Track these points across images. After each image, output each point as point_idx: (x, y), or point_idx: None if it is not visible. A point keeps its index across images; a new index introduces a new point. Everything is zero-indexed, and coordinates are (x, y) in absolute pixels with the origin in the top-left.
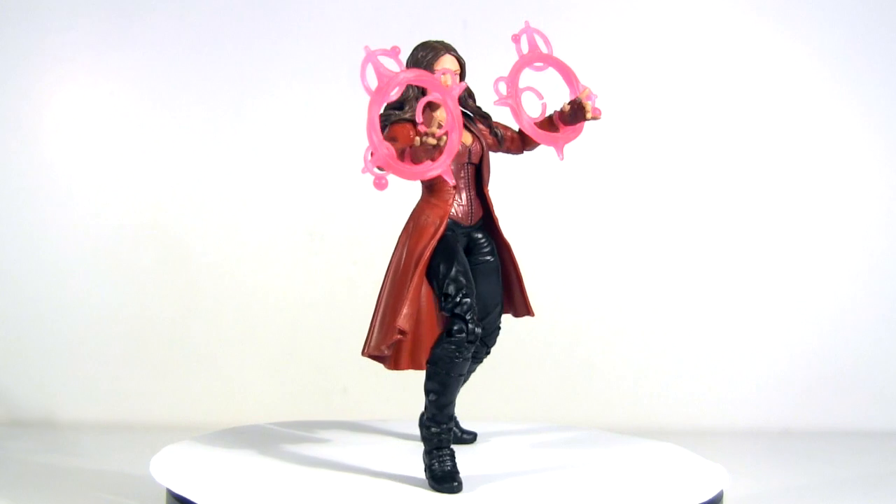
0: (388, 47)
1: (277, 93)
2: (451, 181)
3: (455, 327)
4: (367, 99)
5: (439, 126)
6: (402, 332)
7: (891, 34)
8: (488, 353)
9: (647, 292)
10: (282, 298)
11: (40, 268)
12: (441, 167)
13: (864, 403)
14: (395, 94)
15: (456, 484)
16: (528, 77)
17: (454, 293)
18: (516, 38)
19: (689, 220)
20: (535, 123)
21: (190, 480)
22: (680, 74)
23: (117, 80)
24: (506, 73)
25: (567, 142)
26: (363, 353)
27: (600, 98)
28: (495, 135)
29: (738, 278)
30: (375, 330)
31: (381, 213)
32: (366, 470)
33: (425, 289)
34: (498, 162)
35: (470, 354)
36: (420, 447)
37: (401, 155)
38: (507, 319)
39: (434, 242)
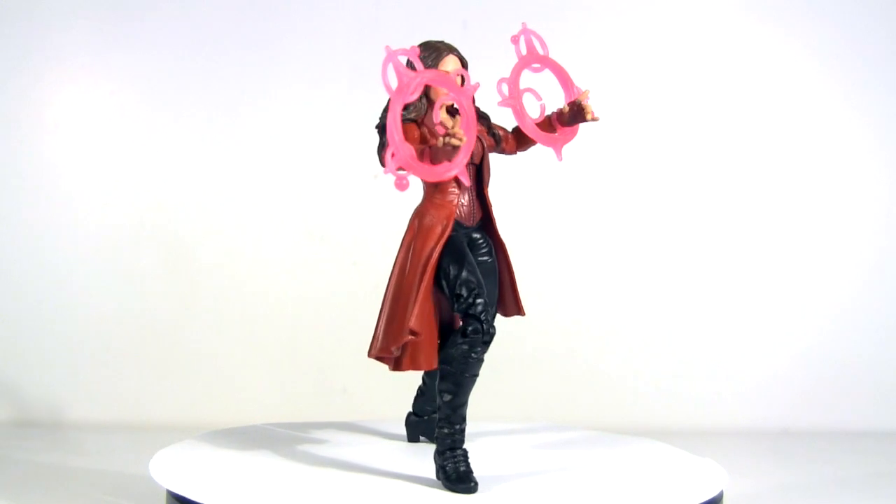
0: (408, 47)
1: (278, 93)
2: (467, 182)
3: (470, 328)
4: (361, 100)
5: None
6: (413, 333)
7: (891, 35)
8: None
9: (648, 293)
10: (282, 299)
11: (40, 267)
12: (458, 167)
13: (863, 403)
14: (415, 95)
15: (472, 485)
16: (526, 78)
17: (467, 294)
18: (515, 40)
19: (688, 221)
20: (536, 124)
21: (190, 480)
22: (679, 75)
23: (117, 80)
24: (506, 74)
25: (565, 143)
26: (370, 355)
27: (600, 99)
28: (494, 135)
29: (738, 279)
30: (382, 331)
31: (381, 214)
32: (366, 470)
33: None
34: (500, 163)
35: (484, 355)
36: (418, 447)
37: (420, 155)
38: (508, 320)
39: (442, 243)
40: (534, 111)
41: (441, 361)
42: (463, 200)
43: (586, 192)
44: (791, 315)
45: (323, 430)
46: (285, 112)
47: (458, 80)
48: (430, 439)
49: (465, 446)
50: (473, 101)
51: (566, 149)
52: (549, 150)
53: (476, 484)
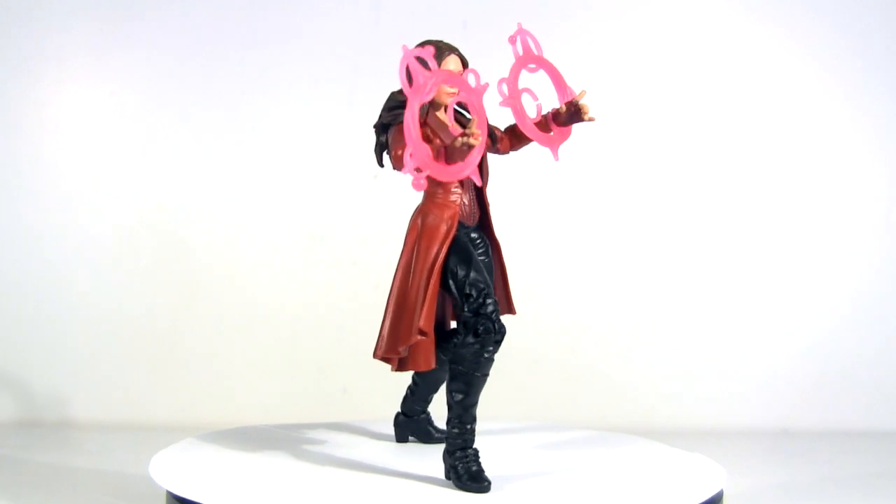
0: (423, 47)
1: (278, 93)
2: (479, 181)
3: (482, 327)
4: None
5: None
6: (422, 333)
7: (891, 35)
8: None
9: (648, 293)
10: (282, 299)
11: (40, 267)
12: (472, 166)
13: (863, 403)
14: (430, 95)
15: (485, 484)
16: (521, 78)
17: (477, 294)
18: (512, 40)
19: (689, 222)
20: (535, 124)
21: (190, 480)
22: (679, 75)
23: (117, 80)
24: (506, 74)
25: (561, 142)
26: (375, 355)
27: (600, 99)
28: (491, 135)
29: (738, 279)
30: (389, 331)
31: (381, 214)
32: (366, 470)
33: None
34: (501, 162)
35: (495, 354)
36: (418, 447)
37: (436, 155)
38: (508, 320)
39: (448, 243)
40: (530, 111)
41: (451, 361)
42: (464, 200)
43: (587, 193)
44: (791, 315)
45: (323, 430)
46: (285, 112)
47: (471, 79)
48: (420, 439)
49: (475, 445)
50: (459, 103)
51: (567, 149)
52: (546, 150)
53: (489, 483)
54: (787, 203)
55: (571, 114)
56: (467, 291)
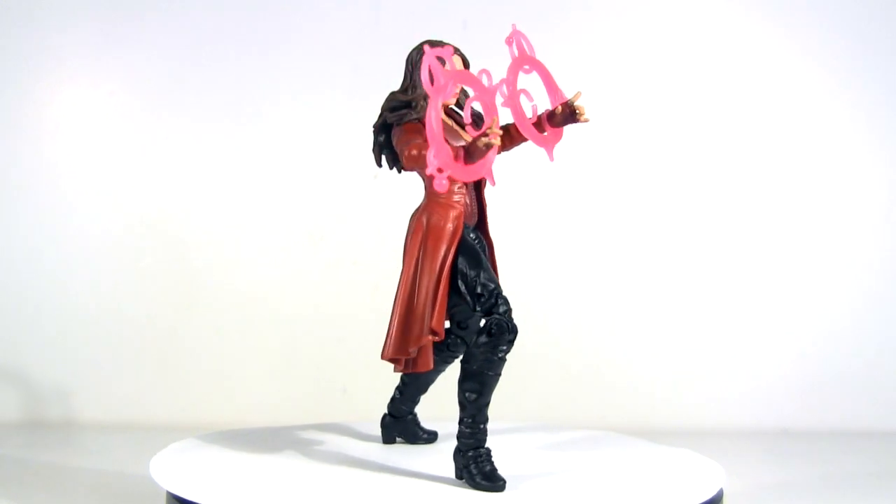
0: (442, 46)
1: (278, 93)
2: (493, 181)
3: (495, 327)
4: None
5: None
6: (434, 333)
7: (891, 35)
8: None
9: (648, 294)
10: (282, 299)
11: (40, 268)
12: (488, 167)
13: (863, 403)
14: (451, 94)
15: (500, 483)
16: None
17: (489, 295)
18: (509, 42)
19: (689, 223)
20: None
21: (190, 481)
22: (679, 75)
23: (117, 80)
24: (505, 75)
25: (556, 143)
26: (384, 357)
27: (601, 99)
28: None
29: (738, 280)
30: (398, 332)
31: (381, 214)
32: (366, 470)
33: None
34: (503, 163)
35: (508, 354)
36: (419, 447)
37: (455, 156)
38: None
39: (456, 243)
40: (527, 112)
41: (464, 361)
42: (466, 200)
43: (588, 193)
44: (791, 315)
45: (323, 430)
46: (285, 112)
47: (484, 78)
48: (407, 440)
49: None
50: (458, 103)
51: (567, 149)
52: (541, 151)
53: (504, 482)
54: (786, 202)
55: (567, 115)
56: (479, 292)
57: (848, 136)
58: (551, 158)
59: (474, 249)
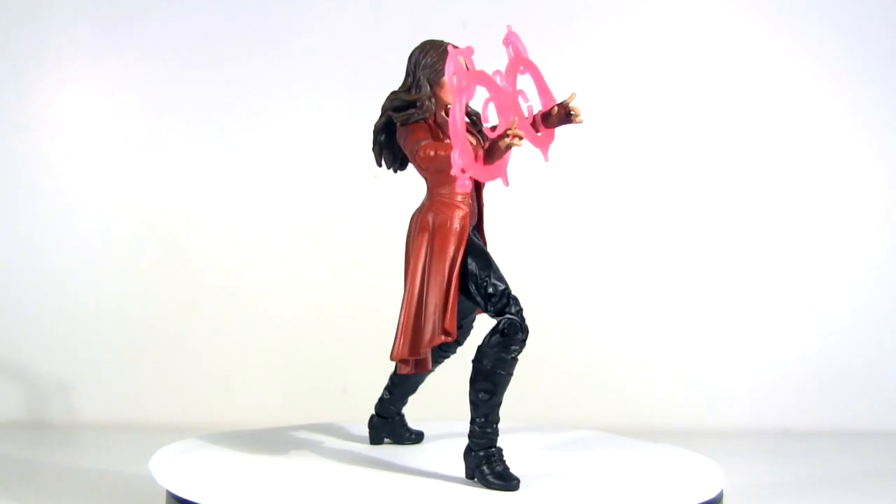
0: (464, 47)
1: (278, 93)
2: (507, 183)
3: (506, 326)
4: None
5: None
6: (447, 334)
7: (892, 36)
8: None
9: (648, 293)
10: (282, 299)
11: (40, 268)
12: (505, 167)
13: (863, 404)
14: (472, 95)
15: (514, 482)
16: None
17: (500, 293)
18: (506, 43)
19: (689, 223)
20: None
21: (190, 480)
22: (678, 76)
23: (117, 80)
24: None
25: (550, 143)
26: (393, 358)
27: (602, 99)
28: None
29: (739, 280)
30: (408, 333)
31: (381, 214)
32: (366, 470)
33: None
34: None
35: (520, 354)
36: (419, 447)
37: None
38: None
39: (464, 243)
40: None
41: (476, 360)
42: (470, 200)
43: (588, 193)
44: (791, 315)
45: (323, 430)
46: (285, 112)
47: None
48: (394, 441)
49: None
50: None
51: (568, 149)
52: (537, 151)
53: (518, 481)
54: (786, 202)
55: (562, 116)
56: (490, 292)
57: (848, 137)
58: (546, 159)
59: (482, 249)
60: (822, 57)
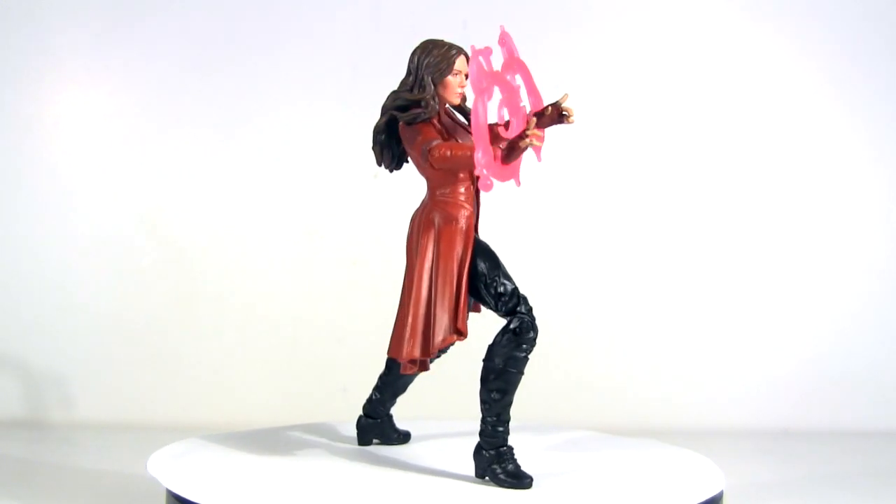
0: (482, 47)
1: (278, 93)
2: (519, 183)
3: (517, 325)
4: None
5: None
6: (460, 333)
7: (891, 37)
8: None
9: (647, 293)
10: (282, 298)
11: (40, 267)
12: (517, 167)
13: (864, 404)
14: (491, 95)
15: (528, 481)
16: None
17: (510, 293)
18: (502, 43)
19: (689, 224)
20: None
21: (190, 480)
22: (678, 76)
23: (117, 80)
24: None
25: (542, 144)
26: (403, 357)
27: (603, 99)
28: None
29: (739, 280)
30: (421, 332)
31: (381, 214)
32: (366, 470)
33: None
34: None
35: (530, 353)
36: (420, 447)
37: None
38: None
39: (471, 243)
40: None
41: (486, 359)
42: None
43: (587, 194)
44: (792, 315)
45: (323, 431)
46: (285, 111)
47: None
48: (383, 441)
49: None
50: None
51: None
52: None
53: (531, 479)
54: (785, 202)
55: (555, 116)
56: (500, 291)
57: (848, 137)
58: (539, 159)
59: (489, 249)
60: (822, 57)
